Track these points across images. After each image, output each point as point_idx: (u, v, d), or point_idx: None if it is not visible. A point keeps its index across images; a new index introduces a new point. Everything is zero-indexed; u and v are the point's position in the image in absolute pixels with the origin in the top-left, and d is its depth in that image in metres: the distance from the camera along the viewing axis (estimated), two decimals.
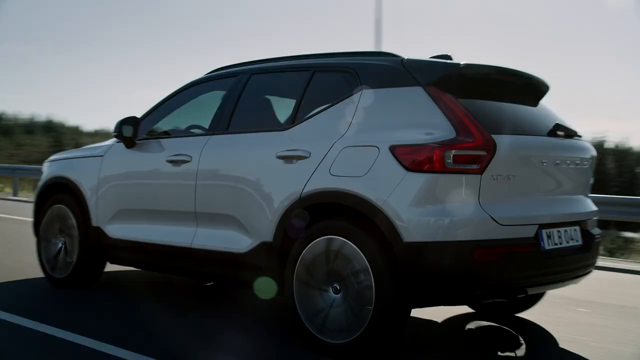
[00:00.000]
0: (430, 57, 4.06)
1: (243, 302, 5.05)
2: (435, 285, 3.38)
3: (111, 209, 4.98)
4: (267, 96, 4.53)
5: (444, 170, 3.34)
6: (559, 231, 3.74)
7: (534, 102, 4.08)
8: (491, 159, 3.37)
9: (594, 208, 4.17)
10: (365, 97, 3.76)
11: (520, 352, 3.97)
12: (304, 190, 3.74)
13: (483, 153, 3.36)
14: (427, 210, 3.34)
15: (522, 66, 3.97)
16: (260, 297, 4.07)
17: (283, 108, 4.37)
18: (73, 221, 5.22)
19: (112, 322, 4.31)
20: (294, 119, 4.07)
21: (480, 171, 3.36)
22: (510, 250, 3.41)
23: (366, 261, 3.45)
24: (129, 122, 4.85)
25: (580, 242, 3.90)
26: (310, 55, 4.34)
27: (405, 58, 3.85)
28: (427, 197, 3.34)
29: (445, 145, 3.34)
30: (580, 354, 3.87)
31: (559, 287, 3.89)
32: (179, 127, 5.02)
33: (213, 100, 4.89)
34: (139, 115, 4.99)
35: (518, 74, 3.95)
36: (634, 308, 5.34)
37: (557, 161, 3.78)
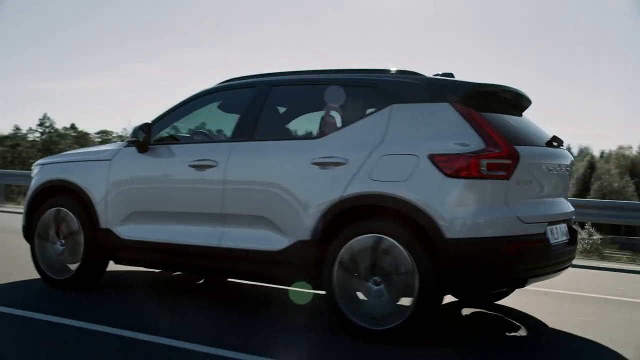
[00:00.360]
0: (434, 75, 4.60)
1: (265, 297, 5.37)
2: (473, 275, 3.92)
3: (123, 211, 5.12)
4: (289, 107, 4.88)
5: (478, 176, 3.87)
6: (556, 228, 4.38)
7: (521, 114, 4.73)
8: (515, 166, 3.95)
9: (573, 208, 4.88)
10: (396, 111, 4.23)
11: (521, 333, 4.59)
12: (344, 194, 4.14)
13: (509, 162, 3.93)
14: (465, 210, 3.86)
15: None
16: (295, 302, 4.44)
17: (305, 118, 4.76)
18: (76, 223, 5.30)
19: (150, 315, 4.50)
20: (325, 129, 4.46)
21: (507, 177, 3.93)
22: (532, 245, 4.01)
23: (408, 256, 3.91)
24: (143, 128, 5.02)
25: (567, 238, 4.58)
26: (332, 71, 4.74)
27: (429, 77, 4.37)
28: (464, 199, 3.87)
29: (479, 155, 3.88)
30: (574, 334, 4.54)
31: (550, 278, 4.54)
32: (193, 133, 5.25)
33: (228, 108, 5.19)
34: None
35: (515, 91, 4.58)
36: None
37: (552, 168, 4.43)
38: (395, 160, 4.07)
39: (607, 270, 8.52)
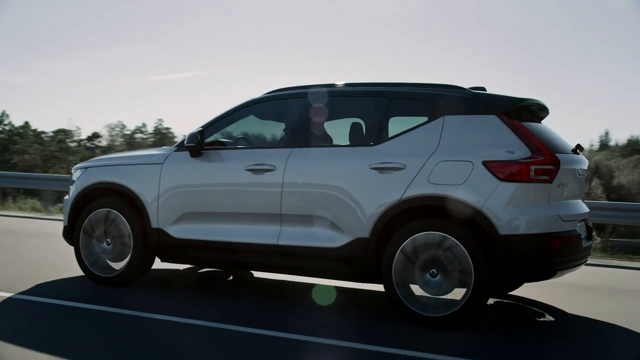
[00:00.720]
0: (470, 88, 5.13)
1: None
2: (523, 267, 4.48)
3: (175, 212, 5.44)
4: (341, 117, 5.33)
5: (527, 180, 4.44)
6: (579, 225, 5.00)
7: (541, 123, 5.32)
8: (557, 171, 4.54)
9: (588, 209, 5.53)
10: (448, 122, 4.75)
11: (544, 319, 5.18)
12: (404, 195, 4.63)
13: (552, 167, 4.51)
14: (517, 210, 4.42)
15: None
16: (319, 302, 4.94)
17: (357, 127, 5.22)
18: (126, 223, 5.58)
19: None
20: (379, 137, 4.94)
21: (550, 181, 4.52)
22: (570, 240, 4.61)
23: (465, 251, 4.43)
24: (198, 134, 5.36)
25: (586, 234, 5.20)
26: (382, 84, 5.21)
27: (475, 91, 4.91)
28: (516, 200, 4.42)
29: (528, 161, 4.44)
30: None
31: (572, 271, 5.14)
32: (235, 140, 5.62)
33: (275, 117, 5.59)
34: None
35: (542, 104, 5.16)
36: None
37: (578, 173, 5.05)
38: (452, 165, 4.58)
39: (609, 267, 9.21)
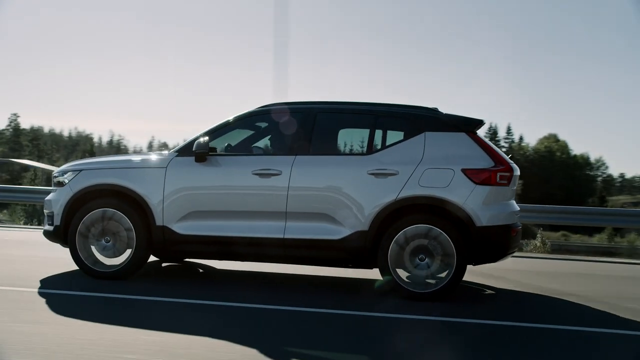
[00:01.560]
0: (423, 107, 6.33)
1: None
2: (492, 251, 5.76)
3: (181, 211, 6.04)
4: (335, 129, 6.30)
5: (495, 184, 5.74)
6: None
7: None
8: (512, 177, 5.90)
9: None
10: (429, 137, 5.92)
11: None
12: (399, 196, 5.72)
13: (509, 174, 5.86)
14: (488, 207, 5.69)
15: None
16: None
17: (350, 139, 6.22)
18: (127, 222, 6.07)
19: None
20: (371, 148, 5.99)
21: (508, 184, 5.86)
22: (519, 230, 6.02)
23: (449, 239, 5.63)
24: (205, 142, 6.02)
25: (520, 227, 6.65)
26: (369, 104, 6.24)
27: (447, 113, 6.12)
28: (487, 199, 5.70)
29: (494, 169, 5.74)
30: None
31: (511, 256, 6.52)
32: (231, 147, 6.33)
33: (273, 127, 6.41)
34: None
35: (484, 122, 6.51)
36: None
37: (517, 178, 6.46)
38: (437, 172, 5.75)
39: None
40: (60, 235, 6.28)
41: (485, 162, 5.79)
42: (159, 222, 6.07)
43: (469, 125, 6.01)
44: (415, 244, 5.71)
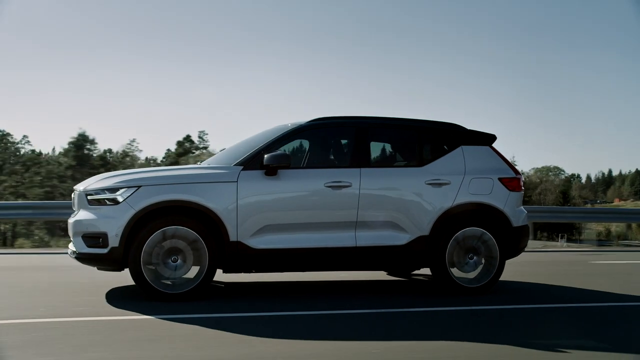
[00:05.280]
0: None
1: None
2: (520, 246, 6.97)
3: (255, 226, 6.07)
4: (386, 143, 6.84)
5: (520, 190, 6.95)
6: None
7: None
8: (523, 184, 7.17)
9: None
10: (466, 150, 6.87)
11: None
12: (454, 202, 6.59)
13: (522, 182, 7.12)
14: (518, 210, 6.89)
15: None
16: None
17: (399, 151, 6.86)
18: (199, 239, 5.89)
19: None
20: (421, 161, 6.72)
21: (522, 190, 7.12)
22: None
23: (493, 239, 6.69)
24: (278, 157, 6.11)
25: None
26: (412, 120, 6.91)
27: (469, 129, 7.11)
28: (517, 203, 6.89)
29: (517, 177, 6.95)
30: None
31: None
32: (301, 159, 6.53)
33: (328, 141, 6.72)
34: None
35: None
36: None
37: None
38: (480, 181, 6.75)
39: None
40: (117, 258, 5.79)
41: (510, 172, 6.95)
42: (232, 238, 6.00)
43: (489, 140, 7.10)
44: (467, 245, 6.63)
